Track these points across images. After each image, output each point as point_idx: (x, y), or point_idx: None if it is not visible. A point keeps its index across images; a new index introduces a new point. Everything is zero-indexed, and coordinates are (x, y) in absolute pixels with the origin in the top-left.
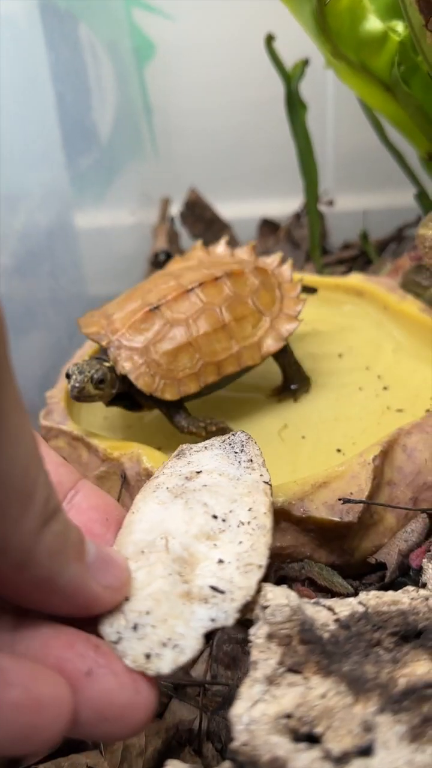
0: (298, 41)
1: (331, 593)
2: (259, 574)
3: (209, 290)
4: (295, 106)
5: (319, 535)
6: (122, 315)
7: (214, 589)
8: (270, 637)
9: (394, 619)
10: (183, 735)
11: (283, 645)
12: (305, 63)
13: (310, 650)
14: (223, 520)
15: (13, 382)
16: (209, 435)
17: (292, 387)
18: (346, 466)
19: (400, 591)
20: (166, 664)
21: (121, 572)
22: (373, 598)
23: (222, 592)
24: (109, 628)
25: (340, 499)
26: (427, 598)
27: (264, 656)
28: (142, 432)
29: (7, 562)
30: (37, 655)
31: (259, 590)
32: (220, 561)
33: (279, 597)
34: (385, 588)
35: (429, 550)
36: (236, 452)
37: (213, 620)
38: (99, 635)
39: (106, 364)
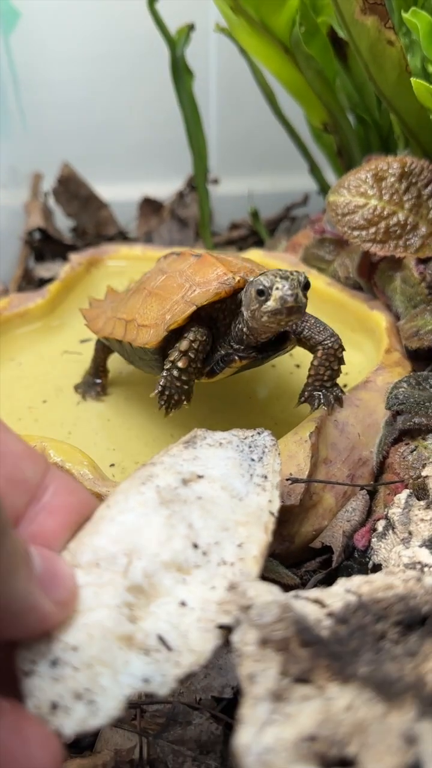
0: (181, 8)
1: (279, 586)
2: (219, 641)
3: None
4: (180, 73)
5: None
6: (201, 275)
7: (161, 640)
8: (263, 642)
9: (395, 606)
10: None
11: (280, 651)
12: (191, 27)
13: (314, 653)
14: (204, 553)
15: None
16: None
17: None
18: (282, 445)
19: (382, 572)
20: (71, 723)
21: (69, 584)
22: (363, 585)
23: (169, 648)
24: (26, 652)
25: (287, 480)
26: (419, 579)
27: (261, 667)
28: (36, 425)
29: None
30: None
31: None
32: (183, 604)
33: (263, 593)
34: (332, 574)
35: (374, 529)
36: (253, 460)
37: (146, 681)
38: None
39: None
